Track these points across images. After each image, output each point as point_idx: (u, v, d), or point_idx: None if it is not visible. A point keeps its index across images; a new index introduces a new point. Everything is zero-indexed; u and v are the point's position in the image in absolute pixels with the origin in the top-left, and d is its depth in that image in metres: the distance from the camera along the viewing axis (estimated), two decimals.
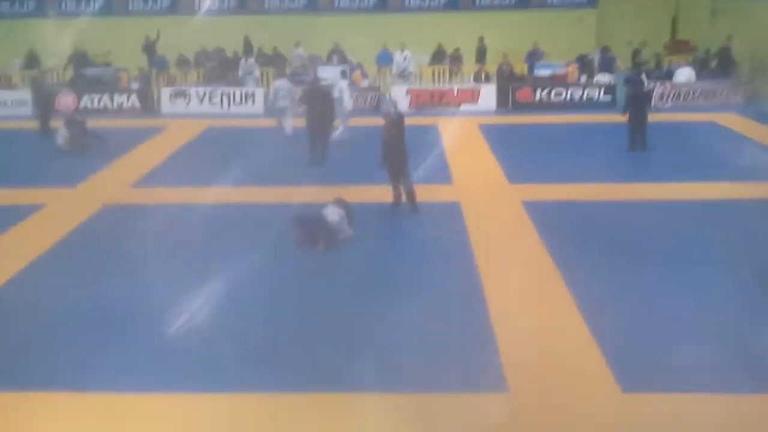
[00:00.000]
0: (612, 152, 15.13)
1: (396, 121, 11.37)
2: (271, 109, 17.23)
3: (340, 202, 10.34)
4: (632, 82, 15.66)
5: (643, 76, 16.56)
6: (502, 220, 11.24)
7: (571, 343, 7.40)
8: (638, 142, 14.96)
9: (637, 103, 15.09)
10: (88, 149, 15.83)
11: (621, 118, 16.53)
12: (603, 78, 20.77)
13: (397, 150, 11.25)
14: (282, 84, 16.86)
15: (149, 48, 23.40)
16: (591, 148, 15.74)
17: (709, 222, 10.88)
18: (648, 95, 16.64)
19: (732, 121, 17.88)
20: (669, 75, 20.84)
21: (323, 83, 16.21)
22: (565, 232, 10.57)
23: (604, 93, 20.27)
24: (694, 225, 10.77)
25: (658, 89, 20.01)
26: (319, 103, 14.61)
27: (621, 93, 20.14)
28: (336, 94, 15.66)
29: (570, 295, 8.42)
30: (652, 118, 17.56)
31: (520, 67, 21.76)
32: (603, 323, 7.67)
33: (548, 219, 11.00)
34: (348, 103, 16.16)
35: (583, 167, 13.96)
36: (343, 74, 19.55)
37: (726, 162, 14.01)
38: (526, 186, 12.90)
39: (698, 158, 14.52)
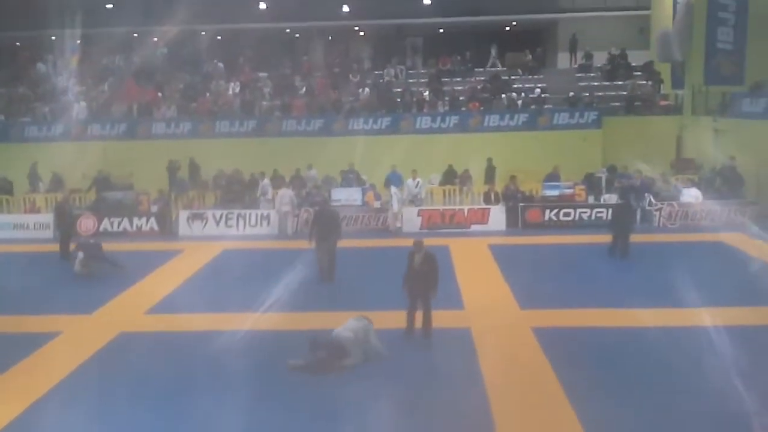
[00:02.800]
0: (623, 275, 15.25)
1: (430, 260, 11.69)
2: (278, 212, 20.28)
3: (360, 318, 10.63)
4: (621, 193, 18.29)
5: (631, 191, 19.22)
6: (513, 348, 11.28)
7: None
8: (619, 249, 16.64)
9: (622, 213, 17.27)
10: (105, 275, 16.15)
11: (631, 238, 16.89)
12: (610, 198, 21.16)
13: (427, 284, 11.56)
14: (285, 192, 20.56)
15: (172, 169, 24.25)
16: (601, 270, 15.88)
17: (720, 349, 10.81)
18: (632, 208, 18.41)
19: (740, 241, 18.04)
20: (676, 194, 21.21)
21: (332, 205, 16.86)
22: (575, 359, 10.60)
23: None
24: (705, 352, 10.71)
25: (665, 209, 20.35)
26: (328, 224, 15.33)
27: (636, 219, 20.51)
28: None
29: (579, 424, 8.41)
30: (662, 238, 17.79)
31: (529, 187, 22.25)
32: None
33: (558, 346, 11.05)
34: None
35: (592, 291, 14.08)
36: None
37: (736, 285, 14.06)
38: (537, 312, 12.99)
39: (709, 281, 14.54)
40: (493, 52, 32.24)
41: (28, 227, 21.25)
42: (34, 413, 9.21)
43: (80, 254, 16.30)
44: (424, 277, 11.60)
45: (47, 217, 20.97)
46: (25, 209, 22.65)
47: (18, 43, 34.47)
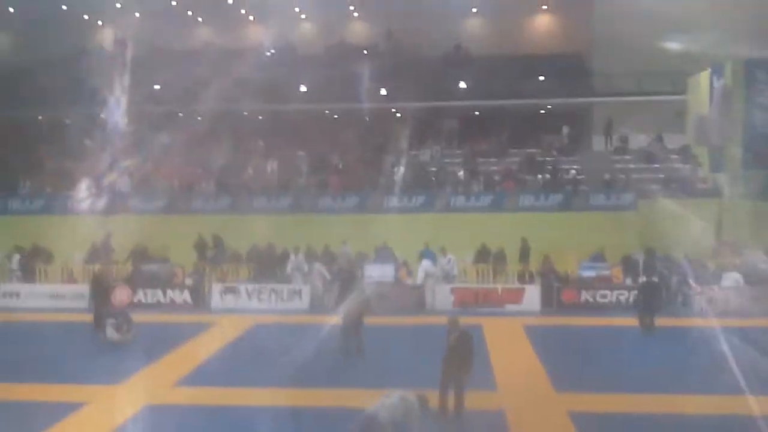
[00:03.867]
0: (661, 359, 14.73)
1: (466, 339, 11.45)
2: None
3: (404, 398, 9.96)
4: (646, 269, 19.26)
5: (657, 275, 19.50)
6: None
7: None
8: (646, 325, 17.25)
9: (649, 292, 17.89)
10: (135, 345, 16.17)
11: (669, 322, 16.45)
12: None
13: (461, 363, 11.28)
14: (318, 266, 21.34)
15: (200, 247, 24.52)
16: (639, 354, 15.40)
17: None
18: (659, 287, 18.77)
19: None
20: (716, 279, 20.70)
21: (360, 280, 16.88)
22: None
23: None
24: None
25: (706, 293, 19.82)
26: (355, 296, 15.43)
27: (667, 296, 20.09)
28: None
29: None
30: (702, 323, 17.30)
31: (564, 268, 21.93)
32: None
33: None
34: None
35: (631, 375, 13.60)
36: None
37: None
38: (573, 395, 12.54)
39: (753, 367, 13.94)
40: (565, 130, 32.41)
41: (65, 297, 21.52)
42: None
43: (111, 320, 16.41)
44: (459, 356, 11.33)
45: (83, 288, 21.23)
46: (63, 279, 22.99)
47: (67, 121, 35.84)
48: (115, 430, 11.06)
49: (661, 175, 28.47)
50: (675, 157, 30.16)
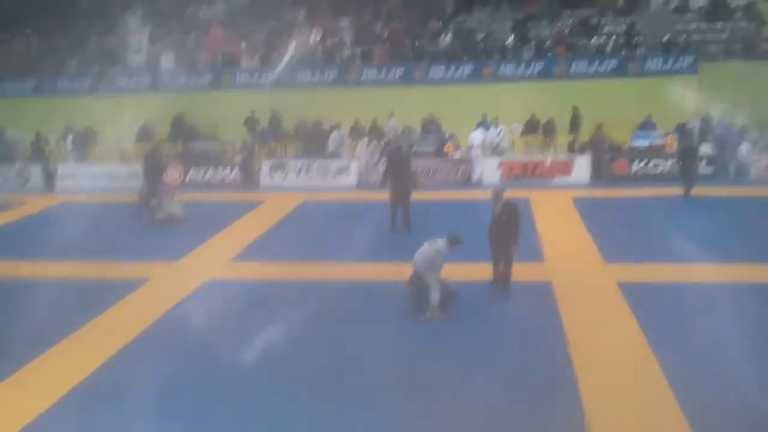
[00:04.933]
0: (713, 229, 14.51)
1: (510, 210, 11.44)
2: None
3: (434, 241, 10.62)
4: (682, 135, 18.96)
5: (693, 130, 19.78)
6: (597, 304, 10.94)
7: (665, 429, 7.25)
8: (685, 189, 17.36)
9: (687, 154, 17.77)
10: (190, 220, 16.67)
11: (724, 190, 16.12)
12: (704, 148, 20.10)
13: (507, 235, 11.32)
14: (365, 142, 21.22)
15: (250, 123, 24.57)
16: (691, 224, 15.18)
17: None
18: (695, 148, 18.55)
19: None
20: None
21: (405, 154, 16.74)
22: (663, 315, 10.26)
23: (706, 164, 19.60)
24: None
25: (763, 160, 19.18)
26: (400, 170, 15.23)
27: (723, 165, 19.54)
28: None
29: (665, 380, 8.24)
30: (757, 192, 16.91)
31: (618, 137, 21.34)
32: (700, 411, 7.52)
33: (645, 301, 10.69)
34: None
35: (682, 246, 13.47)
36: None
37: None
38: (623, 266, 12.56)
39: None
40: None
41: (120, 177, 22.05)
42: (122, 358, 9.61)
43: (153, 201, 16.86)
44: (505, 228, 11.35)
45: (137, 167, 21.64)
46: (117, 159, 23.47)
47: None
48: (179, 303, 11.58)
49: (724, 36, 26.86)
50: (740, 15, 28.27)
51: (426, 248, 10.58)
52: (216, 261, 13.98)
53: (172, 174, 20.56)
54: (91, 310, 11.18)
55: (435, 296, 10.37)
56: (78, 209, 19.15)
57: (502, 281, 11.51)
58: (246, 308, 11.30)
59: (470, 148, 20.90)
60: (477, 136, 20.98)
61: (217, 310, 11.31)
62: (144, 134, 24.90)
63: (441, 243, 10.54)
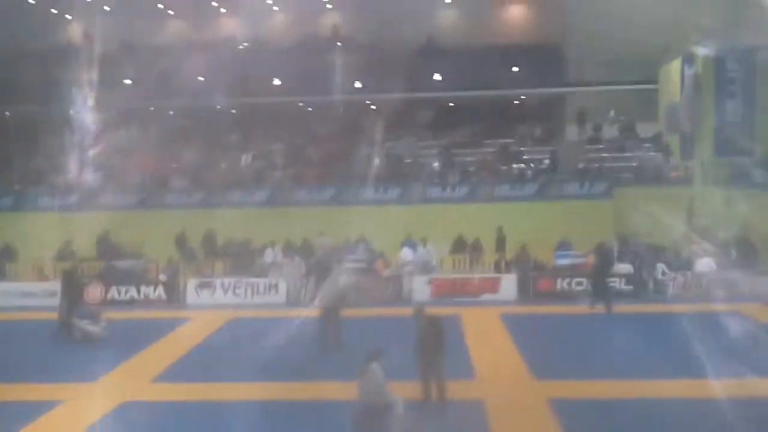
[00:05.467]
0: (638, 345, 14.83)
1: (435, 324, 11.54)
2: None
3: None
4: (597, 254, 19.69)
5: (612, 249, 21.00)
6: (528, 421, 10.89)
7: None
8: (599, 300, 18.30)
9: (602, 270, 18.97)
10: (109, 343, 16.01)
11: (644, 308, 16.70)
12: (623, 268, 20.93)
13: (433, 349, 11.30)
14: (295, 260, 21.20)
15: (179, 241, 24.29)
16: (616, 340, 15.51)
17: (745, 422, 10.39)
18: (610, 266, 19.82)
19: (757, 311, 17.67)
20: (689, 264, 20.96)
21: (332, 265, 16.87)
22: None
23: (626, 283, 20.35)
24: (728, 424, 10.28)
25: (678, 279, 20.08)
26: (330, 285, 15.34)
27: (642, 284, 20.34)
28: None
29: None
30: (676, 309, 17.57)
31: (540, 256, 22.05)
32: None
33: (576, 418, 10.69)
34: None
35: (609, 361, 13.72)
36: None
37: (756, 355, 13.64)
38: (552, 383, 12.62)
39: (727, 351, 14.12)
40: (612, 114, 32.26)
41: (37, 295, 21.18)
42: None
43: (83, 318, 16.26)
44: (429, 343, 11.33)
45: (55, 285, 20.88)
46: (34, 277, 22.63)
47: (36, 117, 35.22)
48: (92, 427, 10.90)
49: (635, 164, 28.73)
50: (648, 145, 30.45)
51: (369, 384, 10.11)
52: (134, 381, 13.33)
53: (93, 292, 19.86)
54: None
55: (399, 408, 10.12)
56: None
57: (438, 398, 11.37)
58: (162, 430, 10.69)
59: (402, 265, 21.19)
60: (407, 253, 21.33)
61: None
62: (65, 253, 24.19)
63: (375, 368, 10.17)
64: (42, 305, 20.46)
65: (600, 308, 18.24)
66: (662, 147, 29.66)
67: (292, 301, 20.46)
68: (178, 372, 13.89)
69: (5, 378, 13.30)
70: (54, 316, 18.16)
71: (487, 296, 20.40)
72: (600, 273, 18.92)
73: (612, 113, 32.02)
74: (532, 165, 28.89)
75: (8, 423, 10.84)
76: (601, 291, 18.57)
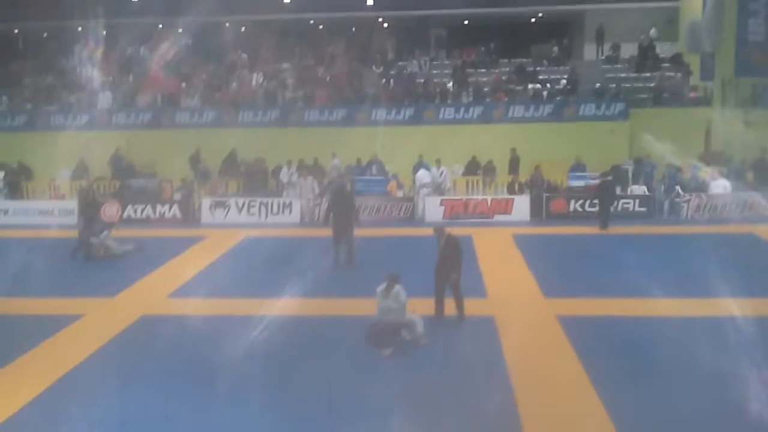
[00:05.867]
0: (648, 265, 14.91)
1: (453, 243, 11.69)
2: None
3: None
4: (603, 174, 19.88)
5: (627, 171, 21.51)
6: (537, 336, 11.08)
7: None
8: (602, 222, 18.68)
9: (606, 191, 19.06)
10: (126, 259, 16.26)
11: (658, 229, 16.69)
12: (637, 190, 20.83)
13: (450, 265, 11.50)
14: (308, 180, 21.35)
15: (194, 160, 24.31)
16: (626, 260, 15.58)
17: (747, 340, 10.51)
18: (613, 186, 19.66)
19: None
20: (704, 186, 20.79)
21: (348, 190, 16.84)
22: (601, 348, 10.43)
23: (639, 204, 20.29)
24: (732, 343, 10.41)
25: (693, 201, 19.98)
26: (343, 207, 15.32)
27: (656, 203, 20.27)
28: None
29: (606, 413, 8.28)
30: (689, 230, 17.52)
31: (554, 178, 21.94)
32: None
33: (584, 335, 10.86)
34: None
35: (618, 281, 13.83)
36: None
37: (765, 276, 13.72)
38: (561, 300, 12.78)
39: (737, 272, 14.12)
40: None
41: (53, 213, 21.43)
42: (52, 394, 9.22)
43: (93, 238, 16.49)
44: (449, 262, 11.49)
45: (71, 203, 21.10)
46: (51, 195, 22.82)
47: (45, 34, 34.77)
48: (112, 339, 11.20)
49: (652, 84, 28.17)
50: (666, 65, 29.77)
51: (393, 305, 10.40)
52: (152, 297, 13.61)
53: (110, 210, 20.04)
54: (22, 346, 10.75)
55: (420, 326, 10.55)
56: (9, 245, 18.45)
57: (457, 312, 11.67)
58: (180, 343, 10.97)
59: (418, 187, 21.25)
60: (423, 174, 21.36)
61: (149, 346, 11.00)
62: (80, 172, 24.31)
63: (399, 290, 10.48)
64: (59, 223, 20.77)
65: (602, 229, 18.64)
66: (682, 67, 29.00)
67: (306, 221, 20.59)
68: (193, 288, 14.12)
69: (26, 293, 13.59)
70: (71, 234, 18.46)
71: (500, 217, 20.41)
72: (603, 197, 19.08)
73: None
74: (548, 85, 28.36)
75: (30, 336, 11.15)
76: (602, 213, 18.95)
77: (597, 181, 20.77)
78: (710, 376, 9.30)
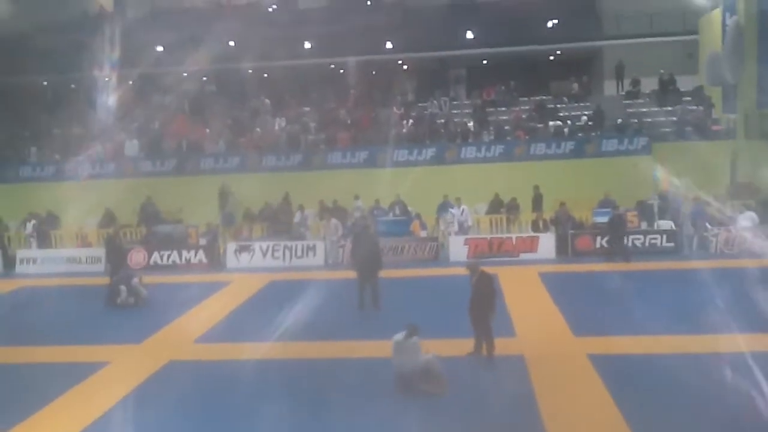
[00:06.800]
0: (677, 302, 14.67)
1: (487, 281, 11.71)
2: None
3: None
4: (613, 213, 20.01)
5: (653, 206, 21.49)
6: (569, 375, 10.88)
7: None
8: (617, 256, 19.14)
9: (615, 226, 19.47)
10: (152, 306, 16.33)
11: (687, 264, 16.43)
12: (664, 224, 20.60)
13: (485, 305, 11.46)
14: (331, 222, 21.19)
15: (223, 196, 24.51)
16: (656, 297, 15.35)
17: None
18: (623, 220, 20.00)
19: None
20: (732, 220, 20.50)
21: (369, 227, 16.83)
22: (634, 386, 10.20)
23: (667, 240, 20.04)
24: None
25: (722, 235, 19.69)
26: (366, 246, 15.28)
27: (683, 238, 20.00)
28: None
29: None
30: (719, 264, 17.27)
31: (579, 215, 21.79)
32: None
33: (616, 373, 10.67)
34: None
35: (648, 318, 13.57)
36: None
37: None
38: (591, 338, 12.56)
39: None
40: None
41: (81, 261, 21.66)
42: None
43: (128, 282, 16.58)
44: (483, 299, 11.45)
45: (99, 251, 21.33)
46: (78, 244, 23.11)
47: (72, 85, 35.65)
48: (140, 385, 11.18)
49: (674, 118, 28.06)
50: (688, 99, 29.69)
51: (409, 356, 10.26)
52: (178, 342, 13.61)
53: (137, 257, 20.22)
54: (49, 394, 10.76)
55: (437, 366, 10.30)
56: (38, 293, 18.67)
57: (487, 353, 11.57)
58: (208, 388, 10.92)
59: (446, 225, 21.29)
60: (449, 214, 21.44)
61: (177, 390, 10.96)
62: (107, 219, 24.64)
63: (415, 341, 10.35)
64: (86, 271, 20.97)
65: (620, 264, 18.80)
66: (703, 100, 28.89)
67: (330, 263, 20.59)
68: (220, 333, 14.12)
69: (54, 340, 13.68)
70: (98, 281, 18.63)
71: (525, 255, 20.25)
72: (614, 232, 19.47)
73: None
74: (569, 122, 28.39)
75: (58, 383, 11.16)
76: (617, 248, 19.37)
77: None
78: (748, 414, 9.03)
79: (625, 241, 19.65)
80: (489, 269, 17.01)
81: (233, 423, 9.54)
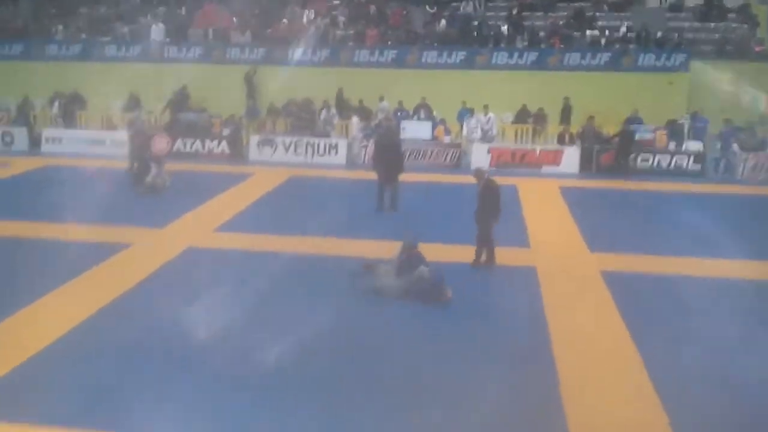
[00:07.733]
0: (698, 225, 14.54)
1: (491, 187, 11.61)
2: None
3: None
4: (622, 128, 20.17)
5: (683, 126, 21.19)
6: (579, 289, 10.98)
7: (642, 415, 7.30)
8: (622, 165, 19.38)
9: (623, 141, 19.61)
10: (175, 192, 16.54)
11: (710, 187, 16.22)
12: (693, 146, 20.21)
13: (488, 211, 11.43)
14: (355, 121, 21.48)
15: (249, 79, 24.27)
16: (676, 218, 15.26)
17: None
18: (632, 136, 19.93)
19: None
20: (764, 145, 20.05)
21: (394, 135, 16.69)
22: (644, 305, 10.29)
23: (693, 161, 19.72)
24: None
25: (750, 160, 19.31)
26: (388, 149, 15.16)
27: (710, 161, 19.68)
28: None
29: (645, 369, 8.25)
30: (743, 190, 17.03)
31: (607, 130, 21.38)
32: (676, 397, 7.56)
33: (627, 291, 10.71)
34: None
35: (666, 238, 13.56)
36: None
37: None
38: (606, 255, 12.59)
39: None
40: None
41: (105, 143, 21.84)
42: (100, 318, 9.54)
43: (153, 165, 16.75)
44: (488, 206, 11.42)
45: (123, 135, 21.41)
46: (103, 126, 23.24)
47: None
48: (160, 268, 11.50)
49: (716, 36, 26.97)
50: (733, 15, 28.41)
51: (416, 281, 10.29)
52: (198, 230, 13.87)
53: (160, 144, 20.30)
54: (72, 271, 11.08)
55: (426, 273, 10.38)
56: (63, 172, 18.94)
57: (486, 260, 11.58)
58: (223, 276, 11.21)
59: (467, 133, 21.04)
60: (472, 121, 21.11)
61: (194, 275, 11.25)
62: (131, 104, 24.57)
63: (423, 271, 10.34)
64: (110, 153, 21.16)
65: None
66: (749, 18, 27.63)
67: (352, 163, 20.58)
68: (238, 223, 14.35)
69: (77, 219, 13.94)
70: (122, 164, 18.83)
71: (548, 168, 20.07)
72: (620, 147, 19.49)
73: None
74: (606, 32, 27.38)
75: (79, 261, 11.50)
76: (622, 164, 19.46)
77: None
78: (756, 337, 9.13)
79: (631, 157, 19.65)
80: (510, 180, 17.10)
81: (243, 303, 9.88)
